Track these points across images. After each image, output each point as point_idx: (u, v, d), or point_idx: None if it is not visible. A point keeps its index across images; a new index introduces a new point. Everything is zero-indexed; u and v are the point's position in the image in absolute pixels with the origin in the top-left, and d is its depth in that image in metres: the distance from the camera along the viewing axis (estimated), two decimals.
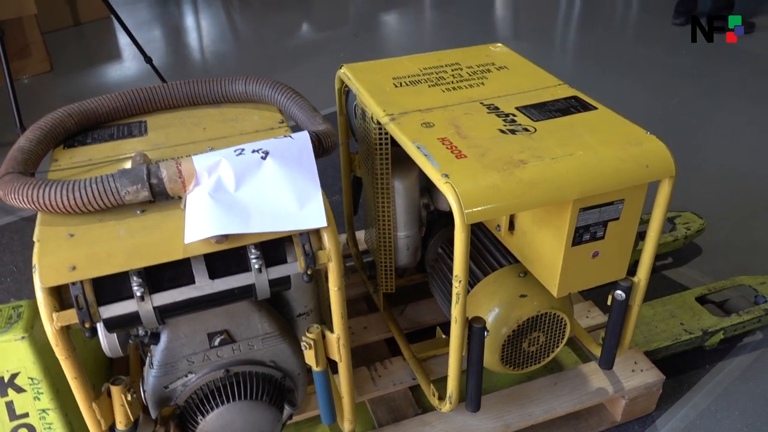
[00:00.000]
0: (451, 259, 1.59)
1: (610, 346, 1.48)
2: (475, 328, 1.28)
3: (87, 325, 1.03)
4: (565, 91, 1.49)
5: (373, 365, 1.66)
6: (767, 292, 1.93)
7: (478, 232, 1.62)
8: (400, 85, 1.54)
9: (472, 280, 1.51)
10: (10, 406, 1.36)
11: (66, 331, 1.04)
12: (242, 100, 1.49)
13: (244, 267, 1.12)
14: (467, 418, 1.51)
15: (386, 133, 1.44)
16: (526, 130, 1.32)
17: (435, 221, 1.73)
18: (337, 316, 1.22)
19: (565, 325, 1.47)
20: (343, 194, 1.90)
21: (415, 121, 1.37)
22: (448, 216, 1.69)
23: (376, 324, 1.80)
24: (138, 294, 1.05)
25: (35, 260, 1.02)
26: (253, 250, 1.11)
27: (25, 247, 2.49)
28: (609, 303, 1.43)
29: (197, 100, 1.48)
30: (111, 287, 1.06)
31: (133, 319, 1.09)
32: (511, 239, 1.46)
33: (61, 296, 1.05)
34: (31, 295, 2.21)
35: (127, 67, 4.32)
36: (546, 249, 1.33)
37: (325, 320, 1.46)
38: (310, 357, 1.25)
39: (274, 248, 1.14)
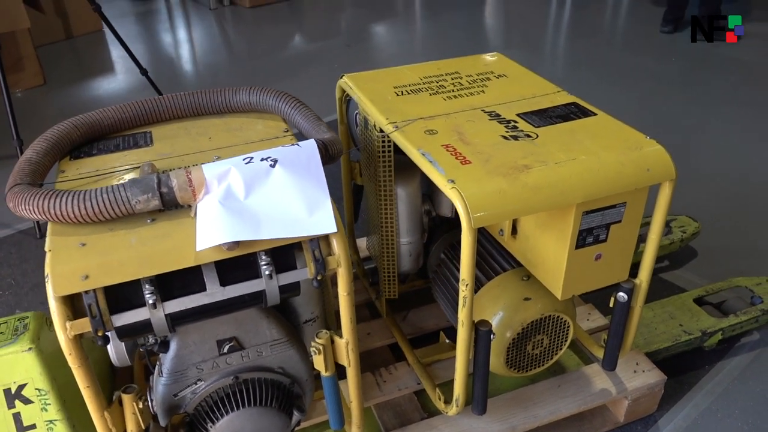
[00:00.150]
0: (454, 264, 1.61)
1: (613, 347, 1.50)
2: (481, 331, 1.30)
3: (100, 334, 1.04)
4: (564, 98, 1.51)
5: (378, 371, 1.68)
6: (763, 292, 1.96)
7: (481, 237, 1.64)
8: (402, 94, 1.56)
9: (475, 285, 1.53)
10: (17, 417, 1.36)
11: (79, 340, 1.05)
12: (246, 110, 1.51)
13: (255, 274, 1.14)
14: (473, 422, 1.52)
15: (389, 141, 1.46)
16: (528, 136, 1.34)
17: (436, 227, 1.75)
18: (346, 320, 1.23)
19: (569, 327, 1.49)
20: (344, 202, 1.92)
21: (418, 128, 1.39)
22: (450, 222, 1.72)
23: (379, 330, 1.82)
24: (150, 302, 1.06)
25: (48, 270, 1.03)
26: (263, 257, 1.12)
27: (22, 260, 2.49)
28: (611, 305, 1.45)
29: (201, 110, 1.50)
30: (122, 296, 1.07)
31: (145, 327, 1.09)
32: (514, 243, 1.48)
33: (73, 305, 1.05)
34: (30, 308, 2.21)
35: (120, 80, 4.32)
36: (550, 252, 1.35)
37: (330, 327, 1.48)
38: (319, 362, 1.26)
39: (284, 255, 1.15)
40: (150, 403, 1.24)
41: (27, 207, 1.10)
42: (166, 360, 1.24)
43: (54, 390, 1.36)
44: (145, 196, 1.10)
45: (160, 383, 1.25)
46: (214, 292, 1.11)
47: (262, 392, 1.27)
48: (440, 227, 1.75)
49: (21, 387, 1.34)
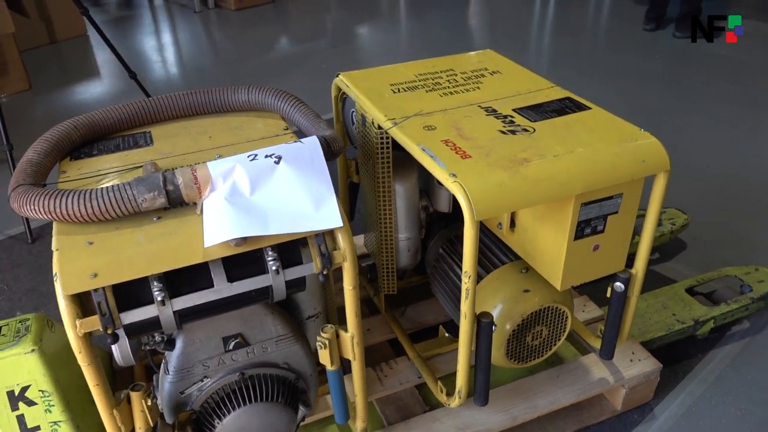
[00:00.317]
0: (453, 259, 1.63)
1: (610, 336, 1.53)
2: (483, 323, 1.32)
3: (110, 331, 1.05)
4: (558, 93, 1.54)
5: (379, 366, 1.69)
6: (752, 281, 2.00)
7: (479, 231, 1.66)
8: (398, 91, 1.58)
9: None
10: (21, 419, 1.35)
11: (89, 338, 1.05)
12: (245, 108, 1.52)
13: (261, 269, 1.15)
14: (475, 413, 1.54)
15: (387, 138, 1.47)
16: (526, 130, 1.36)
17: (434, 223, 1.77)
18: (352, 314, 1.24)
19: (567, 318, 1.52)
20: (341, 200, 1.93)
21: (416, 124, 1.41)
22: (447, 218, 1.74)
23: (378, 326, 1.83)
24: (159, 298, 1.07)
25: (56, 269, 1.03)
26: (270, 252, 1.13)
27: (14, 265, 2.47)
28: (608, 295, 1.48)
29: (200, 109, 1.51)
30: (130, 294, 1.07)
31: (153, 324, 1.10)
32: (513, 237, 1.50)
33: (81, 304, 1.06)
34: (25, 313, 2.19)
35: (106, 84, 4.30)
36: (548, 244, 1.37)
37: (331, 323, 1.49)
38: (324, 356, 1.27)
39: (290, 250, 1.16)
40: (156, 402, 1.24)
41: (32, 207, 1.10)
42: (172, 358, 1.24)
43: (58, 391, 1.36)
44: (151, 194, 1.11)
45: (166, 381, 1.25)
46: (222, 289, 1.12)
47: (268, 388, 1.29)
48: (437, 223, 1.77)
49: (24, 389, 1.34)
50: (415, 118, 1.44)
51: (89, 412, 1.47)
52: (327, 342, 1.25)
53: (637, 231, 1.45)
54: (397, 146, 1.47)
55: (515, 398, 1.59)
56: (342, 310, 1.38)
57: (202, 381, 1.27)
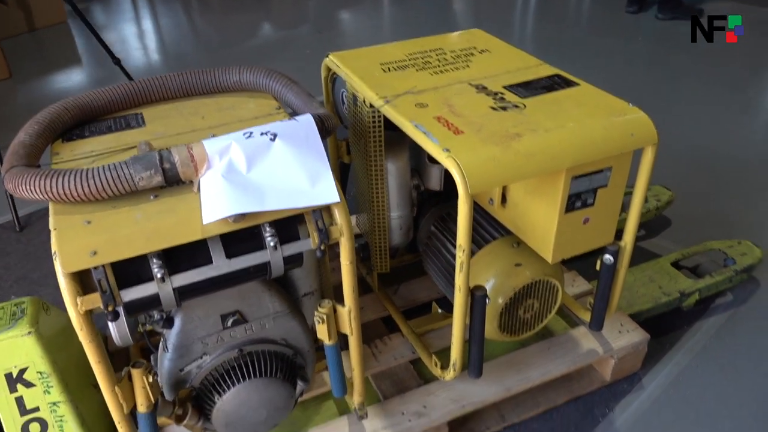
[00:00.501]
0: (445, 236, 1.66)
1: (599, 308, 1.56)
2: (477, 296, 1.35)
3: (110, 308, 1.05)
4: (547, 70, 1.56)
5: (373, 342, 1.71)
6: (735, 254, 2.05)
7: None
8: (389, 70, 1.59)
9: None
10: (20, 401, 1.36)
11: (90, 316, 1.06)
12: (236, 89, 1.52)
13: (259, 246, 1.16)
14: (469, 385, 1.57)
15: (379, 116, 1.49)
16: (516, 106, 1.38)
17: (425, 201, 1.79)
18: (349, 289, 1.26)
19: (558, 291, 1.55)
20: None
21: (408, 102, 1.43)
22: (438, 195, 1.76)
23: (371, 304, 1.85)
24: (159, 275, 1.08)
25: (55, 247, 1.04)
26: (267, 228, 1.15)
27: (3, 253, 2.45)
28: (598, 268, 1.51)
29: (191, 90, 1.50)
30: (129, 271, 1.08)
31: (153, 301, 1.11)
32: (504, 212, 1.53)
33: (81, 282, 1.06)
34: None
35: (88, 71, 4.25)
36: (540, 218, 1.40)
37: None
38: (322, 331, 1.29)
39: (287, 227, 1.18)
40: (156, 379, 1.25)
41: (28, 187, 1.10)
42: (171, 336, 1.25)
43: (56, 372, 1.37)
44: (147, 172, 1.11)
45: (165, 359, 1.26)
46: (220, 265, 1.14)
47: (267, 363, 1.30)
48: (428, 201, 1.79)
49: (22, 371, 1.35)
50: (407, 96, 1.45)
51: (87, 394, 1.48)
52: (324, 316, 1.27)
53: (625, 208, 1.48)
54: (387, 125, 1.49)
55: (508, 370, 1.62)
56: (337, 288, 1.40)
57: (201, 358, 1.28)
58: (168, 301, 1.12)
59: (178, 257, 1.11)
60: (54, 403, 1.38)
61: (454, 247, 1.29)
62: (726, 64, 3.87)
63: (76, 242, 1.04)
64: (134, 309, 1.11)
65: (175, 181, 1.15)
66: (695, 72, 3.80)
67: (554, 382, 1.68)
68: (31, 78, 4.09)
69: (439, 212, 1.75)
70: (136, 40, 4.90)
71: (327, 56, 1.70)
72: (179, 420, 1.29)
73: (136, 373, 1.16)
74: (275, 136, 1.17)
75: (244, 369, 1.28)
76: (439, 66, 1.60)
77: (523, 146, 1.24)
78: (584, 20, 5.04)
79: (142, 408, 1.19)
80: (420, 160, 1.68)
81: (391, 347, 1.70)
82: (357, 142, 1.64)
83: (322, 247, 1.18)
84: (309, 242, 1.19)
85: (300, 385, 1.37)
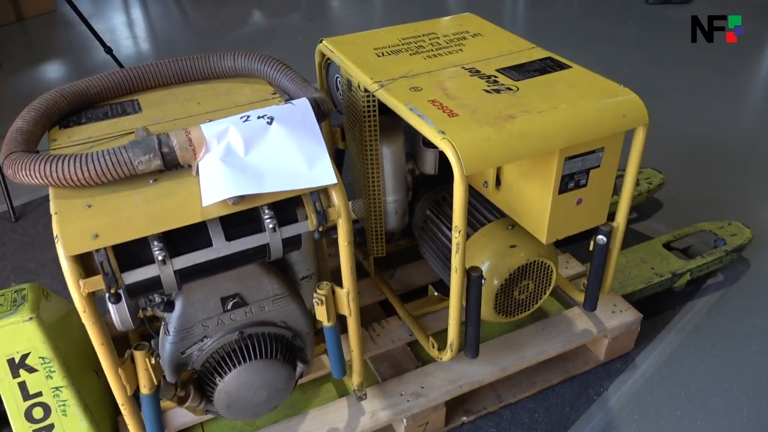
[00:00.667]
0: (440, 219, 1.68)
1: (593, 288, 1.58)
2: (473, 277, 1.37)
3: (113, 291, 1.07)
4: (539, 53, 1.58)
5: (371, 326, 1.74)
6: (726, 235, 2.08)
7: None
8: (383, 55, 1.60)
9: None
10: (23, 386, 1.37)
11: (92, 298, 1.07)
12: (231, 75, 1.52)
13: (258, 228, 1.17)
14: (466, 366, 1.60)
15: (374, 101, 1.50)
16: (509, 89, 1.40)
17: (420, 186, 1.80)
18: (347, 270, 1.28)
19: (552, 272, 1.57)
20: None
21: (402, 86, 1.44)
22: (433, 180, 1.77)
23: (368, 288, 1.87)
24: (159, 258, 1.09)
25: (57, 231, 1.05)
26: (266, 211, 1.16)
27: None
28: (591, 248, 1.53)
29: (186, 77, 1.51)
30: (131, 254, 1.09)
31: (154, 284, 1.12)
32: (498, 195, 1.54)
33: (84, 266, 1.07)
34: None
35: (78, 61, 4.22)
36: (534, 199, 1.42)
37: None
38: (321, 312, 1.31)
39: (285, 209, 1.19)
40: (159, 360, 1.27)
41: (28, 172, 1.10)
42: (172, 319, 1.27)
43: (58, 357, 1.37)
44: (146, 156, 1.12)
45: (167, 342, 1.28)
46: (220, 247, 1.15)
47: (267, 345, 1.32)
48: (423, 186, 1.80)
49: (24, 356, 1.36)
50: (401, 80, 1.47)
51: (88, 379, 1.50)
52: (323, 298, 1.29)
53: (617, 192, 1.51)
54: (382, 111, 1.50)
55: (504, 351, 1.64)
56: (334, 274, 1.42)
57: (202, 341, 1.30)
58: (169, 284, 1.13)
59: (178, 240, 1.12)
60: (56, 388, 1.39)
61: (450, 230, 1.32)
62: (717, 49, 3.89)
63: (77, 225, 1.05)
64: (136, 291, 1.13)
65: (173, 165, 1.16)
66: (686, 55, 3.82)
67: (549, 362, 1.70)
68: (22, 68, 4.07)
69: (434, 196, 1.77)
70: (126, 29, 4.87)
71: (320, 41, 1.71)
72: (181, 402, 1.30)
73: (139, 355, 1.17)
74: (272, 119, 1.18)
75: (245, 351, 1.30)
76: (432, 50, 1.62)
77: (516, 127, 1.25)
78: (575, 5, 5.04)
79: (145, 390, 1.20)
80: (415, 144, 1.70)
81: (388, 330, 1.72)
82: (352, 128, 1.65)
83: (321, 229, 1.19)
84: (307, 224, 1.20)
85: (300, 366, 1.39)
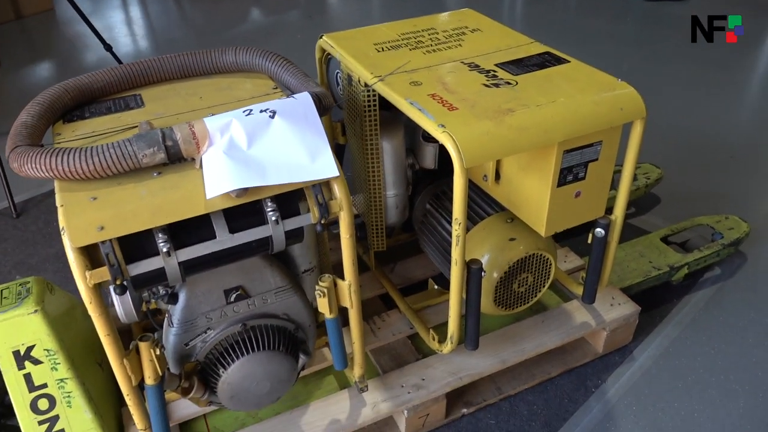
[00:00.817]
0: (440, 213, 1.69)
1: (592, 281, 1.60)
2: (473, 269, 1.38)
3: (118, 282, 1.08)
4: (537, 48, 1.59)
5: (372, 319, 1.75)
6: (723, 229, 2.10)
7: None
8: (382, 50, 1.62)
9: None
10: (28, 378, 1.39)
11: (98, 289, 1.09)
12: (232, 70, 1.54)
13: (261, 220, 1.19)
14: (465, 358, 1.62)
15: (374, 95, 1.51)
16: (508, 83, 1.41)
17: (419, 180, 1.82)
18: (348, 263, 1.29)
19: (551, 265, 1.59)
20: None
21: (403, 81, 1.45)
22: (433, 174, 1.79)
23: (369, 282, 1.89)
24: (164, 250, 1.11)
25: (63, 223, 1.06)
26: (269, 203, 1.17)
27: (0, 240, 2.46)
28: (589, 241, 1.55)
29: (188, 72, 1.52)
30: (136, 246, 1.11)
31: (159, 275, 1.14)
32: (498, 188, 1.56)
33: (90, 257, 1.09)
34: None
35: (77, 59, 4.23)
36: (533, 192, 1.44)
37: None
38: (323, 304, 1.32)
39: (288, 202, 1.21)
40: (164, 352, 1.29)
41: (34, 165, 1.12)
42: (176, 311, 1.28)
43: (63, 349, 1.39)
44: (150, 149, 1.13)
45: (171, 333, 1.29)
46: (224, 240, 1.17)
47: (270, 337, 1.33)
48: (423, 180, 1.82)
49: (30, 348, 1.37)
50: (401, 74, 1.48)
51: (92, 371, 1.51)
52: (325, 290, 1.30)
53: (614, 186, 1.52)
54: (382, 106, 1.51)
55: (504, 343, 1.66)
56: (335, 267, 1.44)
57: (205, 333, 1.32)
58: (173, 275, 1.15)
59: (182, 232, 1.14)
60: (62, 380, 1.41)
61: (450, 223, 1.33)
62: (714, 46, 3.91)
63: (83, 218, 1.06)
64: (141, 283, 1.14)
65: (177, 158, 1.17)
66: (683, 52, 3.84)
67: (548, 354, 1.72)
68: (22, 66, 4.07)
69: (434, 190, 1.78)
70: (125, 26, 4.88)
71: (321, 37, 1.72)
72: (185, 393, 1.32)
73: (144, 346, 1.19)
74: (274, 113, 1.20)
75: (248, 343, 1.32)
76: (431, 45, 1.63)
77: (515, 121, 1.27)
78: (573, 1, 5.06)
79: (149, 381, 1.22)
80: (414, 139, 1.71)
81: (389, 323, 1.74)
82: (352, 122, 1.66)
83: (323, 222, 1.21)
84: (309, 217, 1.22)
85: (302, 358, 1.41)
